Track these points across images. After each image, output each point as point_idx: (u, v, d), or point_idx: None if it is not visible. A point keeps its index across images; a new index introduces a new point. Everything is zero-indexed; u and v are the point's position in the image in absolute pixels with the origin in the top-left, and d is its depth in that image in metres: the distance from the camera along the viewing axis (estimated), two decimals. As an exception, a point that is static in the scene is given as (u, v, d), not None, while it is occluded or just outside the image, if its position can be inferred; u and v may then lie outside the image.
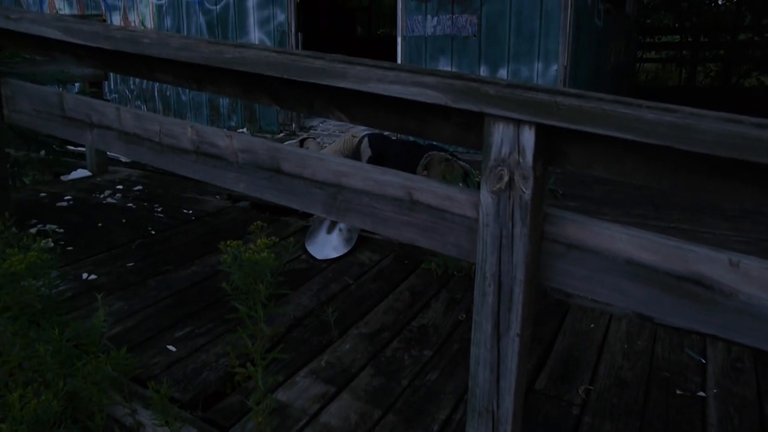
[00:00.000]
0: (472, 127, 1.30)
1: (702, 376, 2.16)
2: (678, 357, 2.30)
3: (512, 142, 1.18)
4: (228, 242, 1.26)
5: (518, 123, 1.16)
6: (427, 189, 1.41)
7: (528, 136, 1.16)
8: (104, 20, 4.16)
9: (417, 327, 2.43)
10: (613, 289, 1.24)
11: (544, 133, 1.16)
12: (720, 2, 11.58)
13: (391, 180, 1.46)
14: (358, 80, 1.32)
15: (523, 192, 1.19)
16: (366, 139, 4.03)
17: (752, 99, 9.79)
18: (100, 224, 3.30)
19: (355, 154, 3.99)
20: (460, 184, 2.74)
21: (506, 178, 1.20)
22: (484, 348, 1.30)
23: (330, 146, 4.13)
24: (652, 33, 11.45)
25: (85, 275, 2.65)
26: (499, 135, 1.19)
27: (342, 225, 3.18)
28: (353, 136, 4.09)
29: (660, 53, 12.38)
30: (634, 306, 1.23)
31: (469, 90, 1.18)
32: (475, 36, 5.03)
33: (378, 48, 11.72)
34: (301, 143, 5.00)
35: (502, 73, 4.98)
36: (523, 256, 1.23)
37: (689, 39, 11.64)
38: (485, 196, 1.24)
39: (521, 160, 1.18)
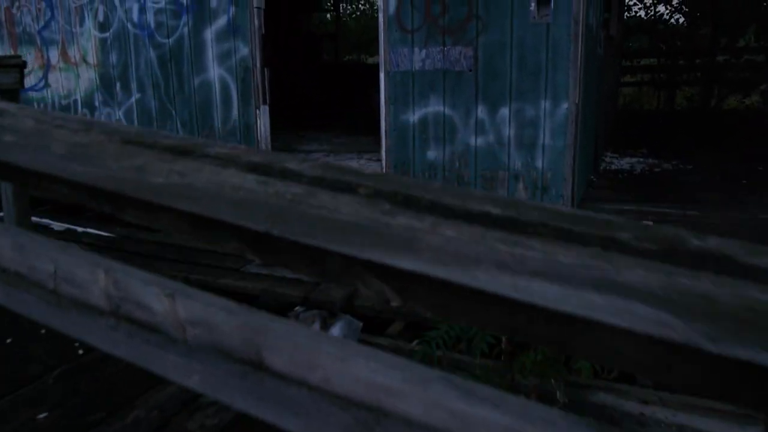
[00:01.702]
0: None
1: None
2: None
3: None
4: None
5: None
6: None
7: None
8: (24, 62, 3.35)
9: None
10: None
11: None
12: (697, 24, 11.34)
13: (487, 416, 0.72)
14: (447, 262, 0.59)
15: None
16: None
17: (732, 122, 9.46)
18: (8, 340, 2.47)
19: None
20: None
21: None
22: None
23: None
24: (630, 56, 11.11)
25: (-29, 444, 1.83)
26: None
27: (337, 328, 2.43)
28: None
29: (635, 76, 12.05)
30: None
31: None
32: (471, 70, 4.37)
33: (346, 75, 11.08)
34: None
35: (504, 112, 4.33)
36: None
37: (666, 61, 11.34)
38: None
39: None
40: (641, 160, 6.22)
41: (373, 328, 2.64)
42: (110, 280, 1.09)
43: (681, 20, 11.66)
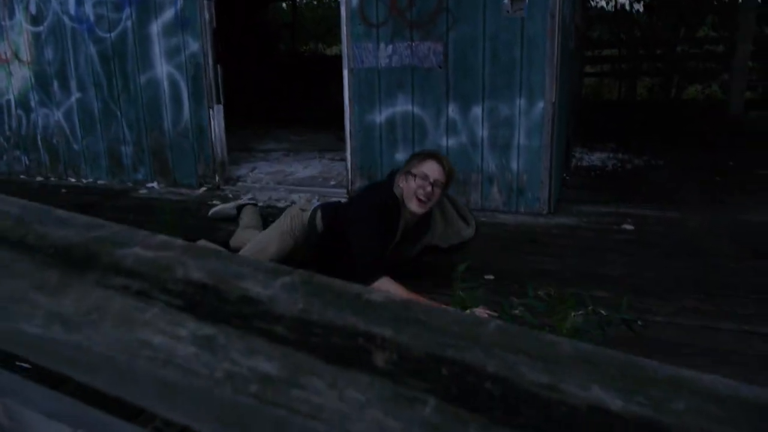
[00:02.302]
0: None
1: None
2: None
3: None
4: None
5: None
6: None
7: None
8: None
9: None
10: None
11: None
12: (656, 14, 11.33)
13: None
14: None
15: None
16: (319, 212, 3.02)
17: (693, 112, 9.50)
18: None
19: (308, 232, 2.98)
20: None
21: None
22: None
23: (274, 226, 3.06)
24: (591, 46, 11.03)
25: None
26: None
27: None
28: (302, 210, 3.06)
29: (595, 67, 12.01)
30: None
31: None
32: (441, 67, 4.10)
33: (304, 68, 10.66)
34: (239, 211, 3.90)
35: (476, 111, 4.08)
36: None
37: (626, 52, 11.31)
38: None
39: None
40: (611, 155, 6.09)
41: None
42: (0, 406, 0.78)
43: (641, 10, 11.65)
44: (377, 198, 2.74)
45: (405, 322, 0.46)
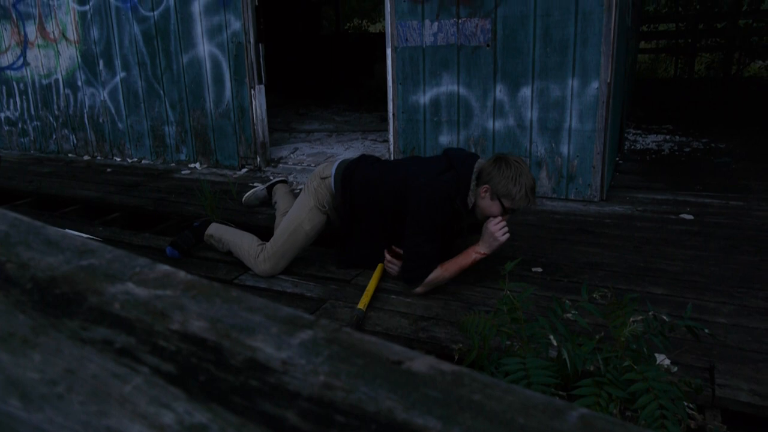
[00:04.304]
0: None
1: None
2: None
3: None
4: None
5: None
6: None
7: None
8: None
9: None
10: None
11: None
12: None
13: None
14: None
15: None
16: (341, 174, 2.89)
17: (757, 90, 8.95)
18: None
19: (332, 198, 2.89)
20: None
21: None
22: None
23: (300, 205, 2.93)
24: (647, 21, 10.50)
25: None
26: None
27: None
28: (323, 178, 2.92)
29: (650, 43, 11.46)
30: None
31: None
32: (488, 45, 3.91)
33: (347, 46, 10.52)
34: (270, 190, 3.84)
35: (525, 92, 3.89)
36: None
37: (682, 26, 10.73)
38: None
39: None
40: (668, 137, 5.77)
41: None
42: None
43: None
44: (447, 197, 2.54)
45: (457, 407, 0.35)
